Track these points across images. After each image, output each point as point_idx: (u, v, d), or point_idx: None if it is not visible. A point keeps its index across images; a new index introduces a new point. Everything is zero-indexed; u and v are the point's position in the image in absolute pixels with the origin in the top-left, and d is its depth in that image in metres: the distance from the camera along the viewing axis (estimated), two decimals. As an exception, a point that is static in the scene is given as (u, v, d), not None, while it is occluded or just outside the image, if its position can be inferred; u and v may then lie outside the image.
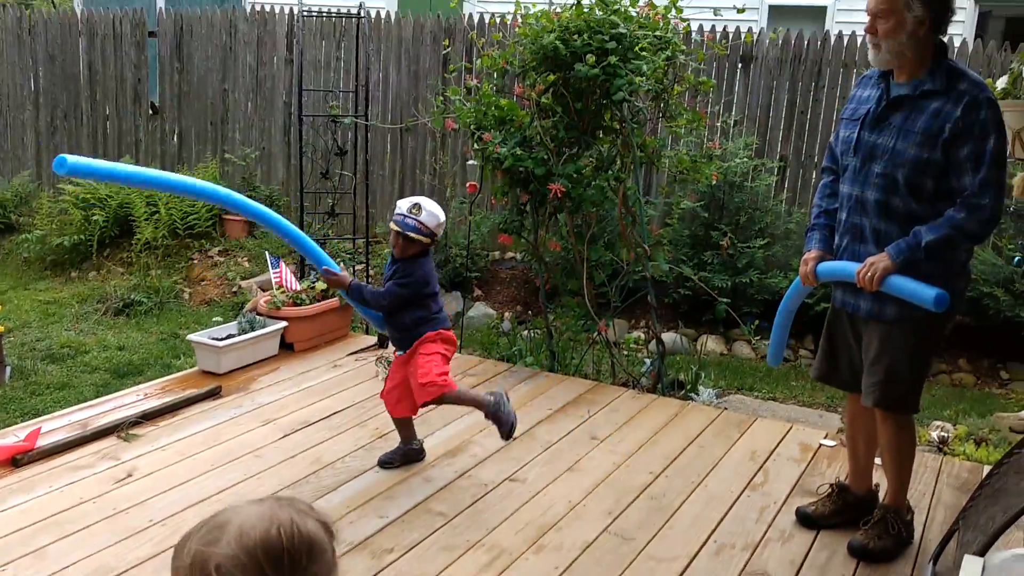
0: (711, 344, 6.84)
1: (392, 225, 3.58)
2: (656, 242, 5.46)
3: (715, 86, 5.58)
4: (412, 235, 3.55)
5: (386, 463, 3.77)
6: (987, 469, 3.48)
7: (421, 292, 3.63)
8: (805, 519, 3.36)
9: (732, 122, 7.23)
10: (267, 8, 9.12)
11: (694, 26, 7.00)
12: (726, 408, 4.83)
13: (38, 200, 9.27)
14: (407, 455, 3.81)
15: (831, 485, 3.41)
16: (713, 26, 7.24)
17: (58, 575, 2.87)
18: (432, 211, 3.59)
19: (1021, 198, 3.46)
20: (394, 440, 4.01)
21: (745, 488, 3.67)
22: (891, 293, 2.87)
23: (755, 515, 3.44)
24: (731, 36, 7.32)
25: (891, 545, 3.14)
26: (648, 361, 5.57)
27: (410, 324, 3.65)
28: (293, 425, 4.14)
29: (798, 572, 3.05)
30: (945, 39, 2.94)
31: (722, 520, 3.39)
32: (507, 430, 3.59)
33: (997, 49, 6.70)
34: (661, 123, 5.56)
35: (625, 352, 5.65)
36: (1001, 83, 3.33)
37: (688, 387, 5.39)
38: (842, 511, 3.31)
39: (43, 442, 3.75)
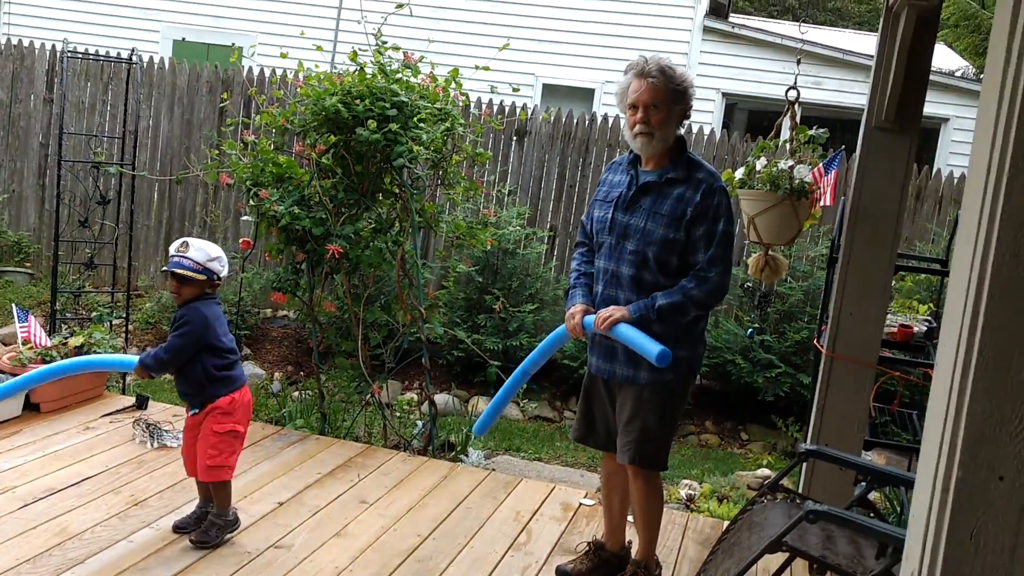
0: (482, 405, 6.99)
1: (164, 270, 3.52)
2: (432, 304, 5.58)
3: (491, 157, 5.83)
4: (183, 273, 3.42)
5: (179, 528, 3.61)
6: (726, 525, 3.80)
7: (206, 340, 3.44)
8: None
9: (507, 191, 7.55)
10: (26, 42, 8.55)
11: (472, 98, 7.30)
12: (494, 470, 4.97)
13: None
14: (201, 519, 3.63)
15: (588, 543, 3.60)
16: (491, 99, 7.57)
17: None
18: (201, 247, 3.48)
19: (755, 276, 3.85)
20: (151, 508, 3.82)
21: (509, 548, 3.78)
22: (619, 340, 3.15)
23: (518, 574, 3.55)
24: (507, 111, 7.69)
25: (588, 570, 3.37)
26: (420, 423, 5.63)
27: (203, 379, 3.47)
28: (35, 493, 3.82)
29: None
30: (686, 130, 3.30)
31: (487, 580, 3.48)
32: (200, 542, 3.51)
33: (740, 139, 7.47)
34: (440, 190, 5.72)
35: (398, 414, 5.68)
36: (739, 174, 3.73)
37: (459, 448, 5.50)
38: (598, 567, 3.49)
39: None
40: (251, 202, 5.08)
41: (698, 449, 6.64)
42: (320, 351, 5.67)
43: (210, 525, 3.54)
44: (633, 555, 3.47)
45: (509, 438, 6.43)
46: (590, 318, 3.26)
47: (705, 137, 7.46)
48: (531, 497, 4.36)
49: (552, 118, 7.69)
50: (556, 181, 7.72)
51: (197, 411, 3.53)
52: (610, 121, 7.63)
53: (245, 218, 6.26)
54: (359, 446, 4.88)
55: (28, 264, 8.38)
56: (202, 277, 3.45)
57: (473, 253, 7.06)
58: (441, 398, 6.74)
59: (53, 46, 8.37)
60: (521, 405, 7.00)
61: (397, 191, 5.18)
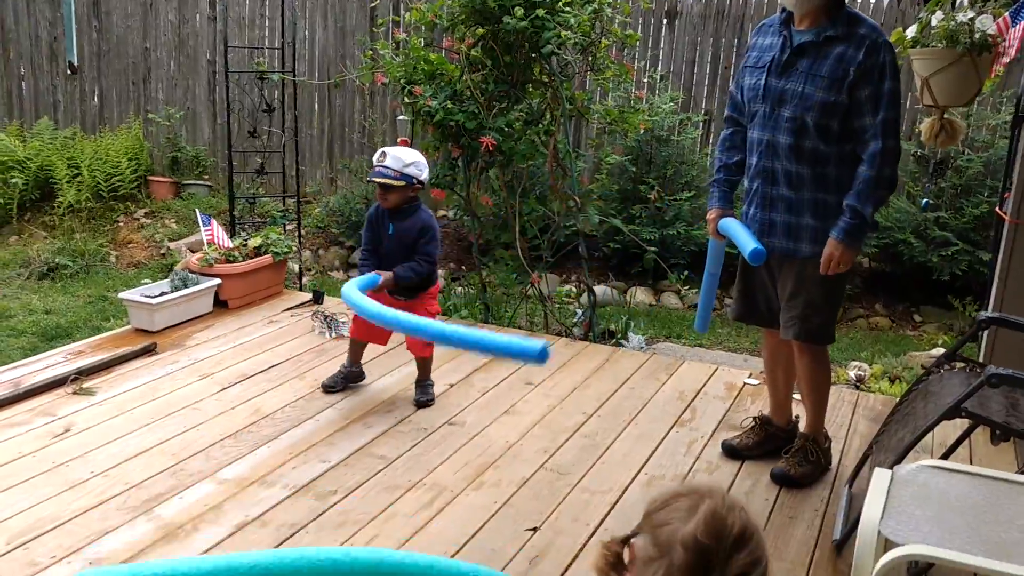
0: (640, 295, 7.02)
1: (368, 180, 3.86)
2: (586, 195, 5.58)
3: (640, 39, 5.68)
4: (381, 181, 3.72)
5: (328, 387, 4.04)
6: (900, 397, 3.70)
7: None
8: (730, 451, 3.53)
9: (658, 76, 7.36)
10: (187, -37, 8.90)
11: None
12: (655, 353, 5.00)
13: (-48, 162, 8.96)
14: (348, 378, 4.10)
15: (754, 418, 3.60)
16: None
17: (1, 525, 2.88)
18: (397, 155, 3.75)
19: (929, 143, 3.63)
20: (333, 391, 4.08)
21: (673, 425, 3.83)
22: (724, 233, 3.20)
23: (683, 449, 3.61)
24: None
25: (810, 471, 3.34)
26: (580, 312, 5.71)
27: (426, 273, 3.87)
28: (231, 379, 4.17)
29: (724, 499, 3.21)
30: None
31: (652, 455, 3.55)
32: (426, 400, 3.95)
33: (910, 4, 6.94)
34: (589, 76, 5.64)
35: (557, 304, 5.78)
36: (911, 32, 3.48)
37: (619, 336, 5.56)
38: (764, 442, 3.50)
39: (-25, 401, 3.72)
40: (405, 100, 5.19)
41: (867, 332, 6.43)
42: (479, 245, 5.82)
43: (426, 387, 4.01)
44: (801, 429, 3.45)
45: (668, 325, 6.42)
46: (726, 221, 3.24)
47: (872, 4, 6.98)
48: (694, 377, 4.38)
49: (704, -4, 7.37)
50: (709, 64, 7.45)
51: (403, 298, 3.85)
52: (766, -5, 7.24)
53: (401, 118, 6.41)
54: (522, 333, 5.01)
55: (207, 176, 8.92)
56: (401, 183, 3.72)
57: (625, 142, 6.97)
58: (599, 289, 6.78)
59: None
60: (681, 294, 6.95)
61: (547, 80, 5.15)
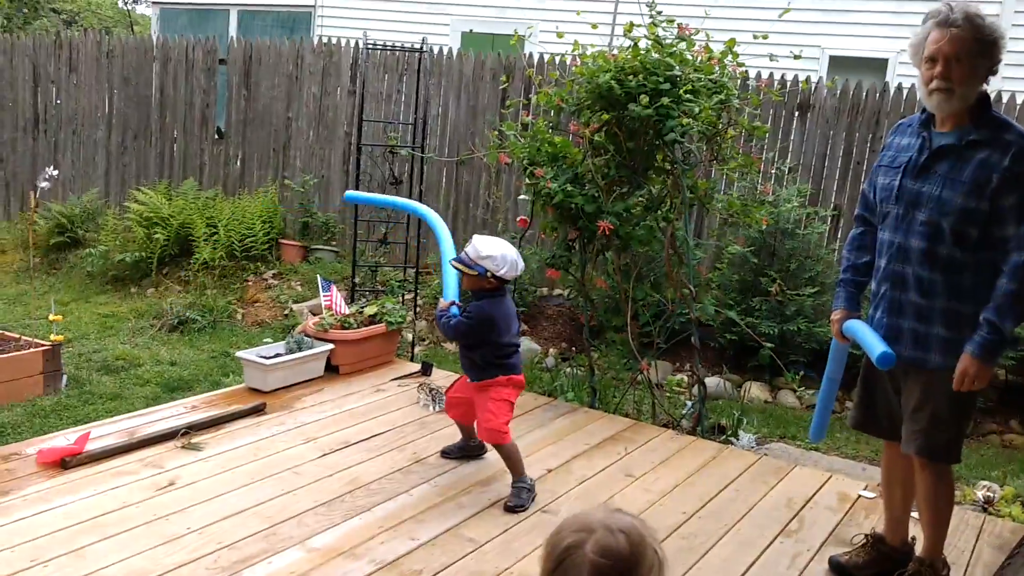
0: (755, 391, 6.77)
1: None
2: (704, 285, 5.47)
3: (768, 131, 5.60)
4: (458, 267, 3.78)
5: (446, 453, 4.16)
6: (1030, 529, 3.40)
7: (486, 335, 3.75)
8: (838, 568, 3.31)
9: (787, 168, 7.22)
10: (333, 40, 9.38)
11: (752, 72, 7.05)
12: (766, 454, 4.78)
13: (104, 217, 9.60)
14: (465, 450, 4.17)
15: (866, 535, 3.36)
16: (771, 73, 7.26)
17: (95, 574, 2.94)
18: (476, 244, 3.74)
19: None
20: (430, 465, 4.07)
21: (779, 534, 3.62)
22: (850, 337, 3.08)
23: (787, 561, 3.40)
24: (788, 83, 7.34)
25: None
26: (689, 403, 5.55)
27: (480, 363, 3.82)
28: (333, 445, 4.21)
29: (828, 622, 3.00)
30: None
31: (753, 564, 3.36)
32: (514, 506, 3.70)
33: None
34: (713, 166, 5.58)
35: (667, 394, 5.64)
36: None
37: (728, 432, 5.36)
38: (876, 562, 3.26)
39: (91, 446, 3.87)
40: (527, 180, 5.24)
41: (1000, 450, 5.99)
42: (591, 327, 5.75)
43: (519, 491, 3.76)
44: (917, 552, 3.20)
45: (783, 425, 6.15)
46: (852, 323, 3.11)
47: (1018, 107, 6.68)
48: (805, 484, 4.15)
49: (839, 90, 7.23)
50: (841, 158, 7.26)
51: (472, 381, 3.85)
52: (904, 92, 7.04)
53: (522, 197, 6.49)
54: (627, 421, 4.89)
55: (334, 243, 9.23)
56: (474, 272, 3.72)
57: (748, 233, 6.83)
58: (712, 381, 6.60)
59: (356, 42, 9.10)
60: (798, 392, 6.68)
61: (668, 167, 5.11)
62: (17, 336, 5.87)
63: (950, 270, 2.87)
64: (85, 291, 8.76)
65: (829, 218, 7.23)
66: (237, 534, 3.29)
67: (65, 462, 3.71)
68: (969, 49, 2.79)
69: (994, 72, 2.89)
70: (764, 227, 5.95)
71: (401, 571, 3.13)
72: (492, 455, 4.19)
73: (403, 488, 3.81)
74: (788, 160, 7.32)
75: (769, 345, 5.38)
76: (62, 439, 3.91)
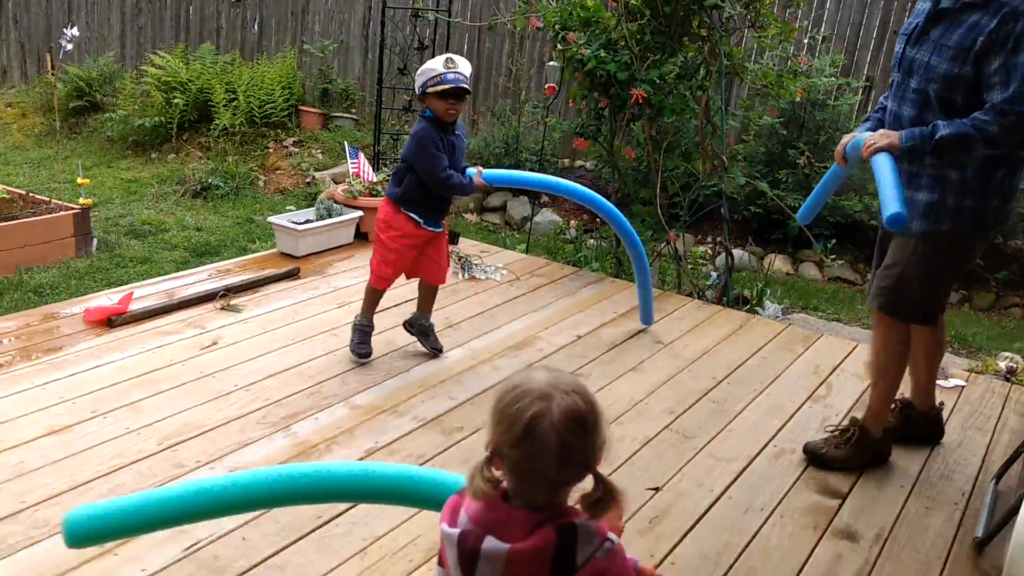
0: (778, 263, 6.81)
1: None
2: (731, 156, 5.42)
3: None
4: (467, 87, 3.50)
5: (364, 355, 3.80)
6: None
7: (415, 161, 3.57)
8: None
9: (820, 37, 7.03)
10: None
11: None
12: (791, 324, 4.85)
13: (121, 81, 9.46)
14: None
15: (897, 400, 3.44)
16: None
17: (152, 426, 3.06)
18: (463, 61, 3.52)
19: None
20: (463, 331, 4.15)
21: (807, 399, 3.72)
22: (874, 173, 2.78)
23: (816, 424, 3.50)
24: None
25: (844, 456, 3.15)
26: (714, 274, 5.59)
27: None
28: (367, 309, 4.28)
29: (856, 481, 3.11)
30: None
31: (783, 427, 3.46)
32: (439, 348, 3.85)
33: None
34: (748, 34, 5.43)
35: (691, 265, 5.67)
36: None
37: (753, 303, 5.41)
38: (905, 426, 3.34)
39: (134, 307, 3.95)
40: (558, 46, 5.13)
41: (1022, 322, 6.06)
42: (617, 198, 5.74)
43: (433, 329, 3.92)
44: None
45: (805, 297, 6.22)
46: (860, 138, 2.93)
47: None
48: (831, 353, 4.23)
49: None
50: (877, 27, 7.06)
51: (440, 228, 3.78)
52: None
53: (551, 64, 6.35)
54: (653, 291, 4.94)
55: (354, 110, 9.11)
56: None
57: (778, 104, 6.71)
58: (736, 253, 6.61)
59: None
60: (826, 263, 6.70)
61: (705, 34, 4.99)
62: (47, 199, 5.90)
63: None
64: (106, 156, 8.74)
65: (861, 89, 7.08)
66: (283, 392, 3.40)
67: (111, 321, 3.79)
68: None
69: None
70: (798, 99, 5.84)
71: (443, 427, 3.25)
72: (512, 324, 4.27)
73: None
74: (823, 29, 7.11)
75: (775, 216, 5.37)
76: (106, 299, 3.98)
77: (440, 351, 3.89)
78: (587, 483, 1.37)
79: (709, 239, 7.14)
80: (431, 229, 3.70)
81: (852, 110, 6.99)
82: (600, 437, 1.32)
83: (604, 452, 1.32)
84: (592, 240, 6.54)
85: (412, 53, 6.54)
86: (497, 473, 1.33)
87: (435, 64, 3.46)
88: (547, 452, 1.26)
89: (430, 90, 3.44)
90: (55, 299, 4.86)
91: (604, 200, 4.18)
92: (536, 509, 1.33)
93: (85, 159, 8.40)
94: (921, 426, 3.34)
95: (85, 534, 1.50)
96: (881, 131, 2.84)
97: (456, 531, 1.36)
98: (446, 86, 3.41)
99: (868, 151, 2.80)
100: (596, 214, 7.60)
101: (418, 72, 3.52)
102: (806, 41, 7.07)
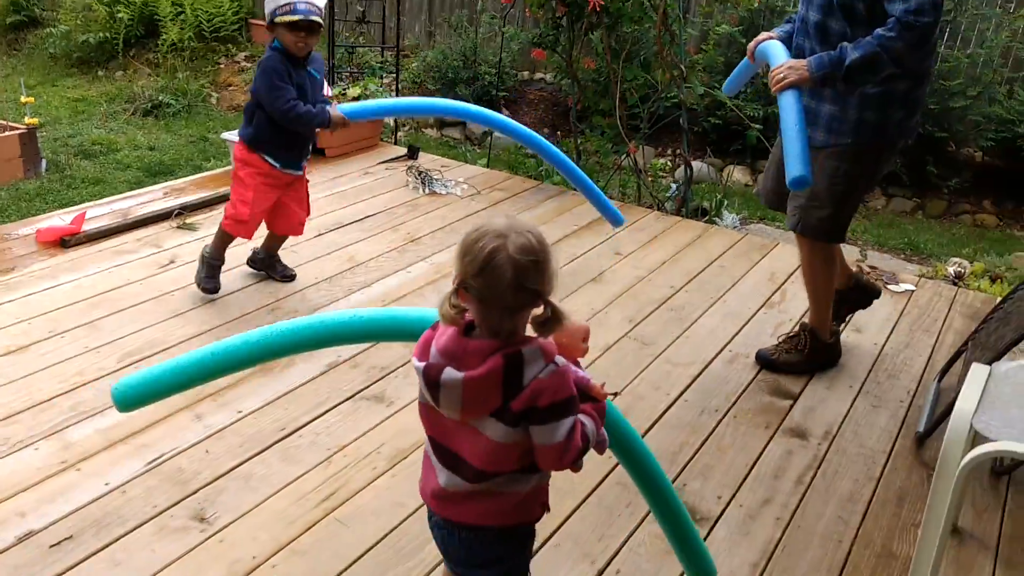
0: (737, 175, 6.85)
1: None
2: (690, 65, 5.38)
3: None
4: (319, 20, 3.28)
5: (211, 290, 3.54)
6: (1002, 297, 3.59)
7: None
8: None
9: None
10: None
11: None
12: (748, 234, 4.91)
13: (61, -7, 9.10)
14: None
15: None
16: None
17: (112, 344, 3.06)
18: None
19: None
20: (425, 245, 4.15)
21: (762, 306, 3.80)
22: (781, 117, 2.73)
23: (770, 330, 3.58)
24: None
25: (795, 361, 3.24)
26: (674, 186, 5.62)
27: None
28: (327, 225, 4.26)
29: (807, 383, 3.21)
30: None
31: (738, 333, 3.54)
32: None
33: None
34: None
35: (651, 178, 5.69)
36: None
37: (712, 214, 5.47)
38: (840, 305, 3.35)
39: (87, 227, 3.89)
40: (514, -47, 5.02)
41: (972, 229, 6.19)
42: (577, 110, 5.70)
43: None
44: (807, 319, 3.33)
45: (763, 208, 6.27)
46: (767, 45, 2.90)
47: None
48: (787, 260, 4.30)
49: None
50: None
51: (300, 171, 3.55)
52: None
53: (507, -28, 6.21)
54: (615, 203, 4.96)
55: (306, 24, 8.87)
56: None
57: (738, 12, 6.65)
58: (695, 165, 6.63)
59: None
60: (778, 176, 6.76)
61: (664, -63, 4.90)
62: (-9, 119, 5.73)
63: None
64: (50, 74, 8.46)
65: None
66: (243, 309, 3.40)
67: (64, 241, 3.74)
68: None
69: None
70: (755, 5, 5.79)
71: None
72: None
73: (400, 266, 3.91)
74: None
75: (756, 127, 5.39)
76: (58, 219, 3.92)
77: (292, 277, 3.67)
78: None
79: (669, 151, 7.15)
80: (289, 172, 3.46)
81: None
82: (550, 269, 1.47)
83: (554, 282, 1.47)
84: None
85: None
86: (463, 304, 1.48)
87: None
88: (504, 279, 1.42)
89: (279, 19, 3.20)
90: (4, 221, 4.77)
91: (493, 114, 3.71)
92: (494, 338, 1.48)
93: (28, 77, 8.13)
94: (855, 297, 3.41)
95: (132, 399, 1.70)
96: (789, 63, 2.75)
97: (422, 364, 1.52)
98: (296, 17, 3.17)
99: (777, 87, 2.74)
100: (558, 127, 7.59)
101: None
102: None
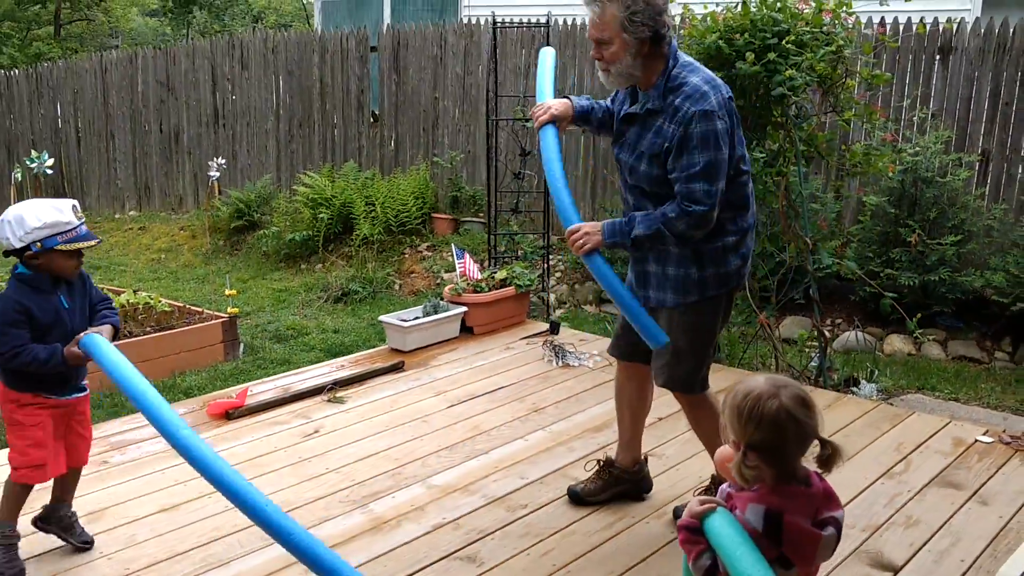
0: (898, 344, 6.66)
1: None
2: (839, 238, 5.46)
3: (890, 79, 5.49)
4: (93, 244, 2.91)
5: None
6: None
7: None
8: (575, 497, 3.47)
9: (927, 115, 6.99)
10: (474, 20, 9.77)
11: (889, 18, 6.86)
12: (883, 403, 4.79)
13: (276, 200, 10.46)
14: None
15: (598, 460, 3.52)
16: (908, 18, 7.03)
17: (248, 504, 3.46)
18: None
19: None
20: (547, 414, 4.38)
21: (881, 476, 3.70)
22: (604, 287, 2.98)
23: (884, 500, 3.48)
24: (928, 26, 7.09)
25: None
26: (815, 356, 5.58)
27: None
28: (460, 397, 4.61)
29: (915, 553, 3.09)
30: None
31: (849, 503, 3.47)
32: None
33: None
34: (828, 118, 5.55)
35: (799, 347, 5.68)
36: None
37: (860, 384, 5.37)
38: (610, 485, 3.45)
39: (251, 401, 4.44)
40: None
41: None
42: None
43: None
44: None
45: (924, 376, 6.05)
46: (544, 136, 3.05)
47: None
48: (919, 430, 4.18)
49: (983, 30, 6.91)
50: (988, 100, 6.94)
51: (80, 394, 3.03)
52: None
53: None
54: (745, 373, 5.02)
55: (481, 214, 9.67)
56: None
57: (887, 184, 6.69)
58: (848, 334, 6.55)
59: (490, 19, 9.44)
60: (945, 344, 6.52)
61: (783, 121, 5.15)
62: (201, 310, 6.64)
63: None
64: (262, 269, 9.63)
65: (976, 163, 6.95)
66: (368, 473, 3.74)
67: (229, 414, 4.28)
68: (610, 31, 2.84)
69: (659, 37, 2.86)
70: (892, 175, 5.84)
71: (508, 505, 3.48)
72: (595, 408, 4.45)
73: (519, 434, 4.15)
74: (931, 105, 7.08)
75: (890, 295, 5.34)
76: (226, 396, 4.49)
77: (90, 543, 3.11)
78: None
79: (827, 321, 7.08)
80: (67, 398, 2.96)
81: (966, 185, 6.85)
82: (818, 413, 1.79)
83: (821, 422, 1.80)
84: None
85: (516, 159, 6.98)
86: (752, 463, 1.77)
87: (60, 214, 2.77)
88: (786, 429, 1.72)
89: (61, 247, 2.76)
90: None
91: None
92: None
93: (243, 273, 9.30)
94: (626, 483, 3.46)
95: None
96: (586, 227, 2.96)
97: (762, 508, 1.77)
98: (89, 243, 2.82)
99: (579, 251, 2.96)
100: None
101: (29, 217, 2.73)
102: (914, 119, 7.04)
